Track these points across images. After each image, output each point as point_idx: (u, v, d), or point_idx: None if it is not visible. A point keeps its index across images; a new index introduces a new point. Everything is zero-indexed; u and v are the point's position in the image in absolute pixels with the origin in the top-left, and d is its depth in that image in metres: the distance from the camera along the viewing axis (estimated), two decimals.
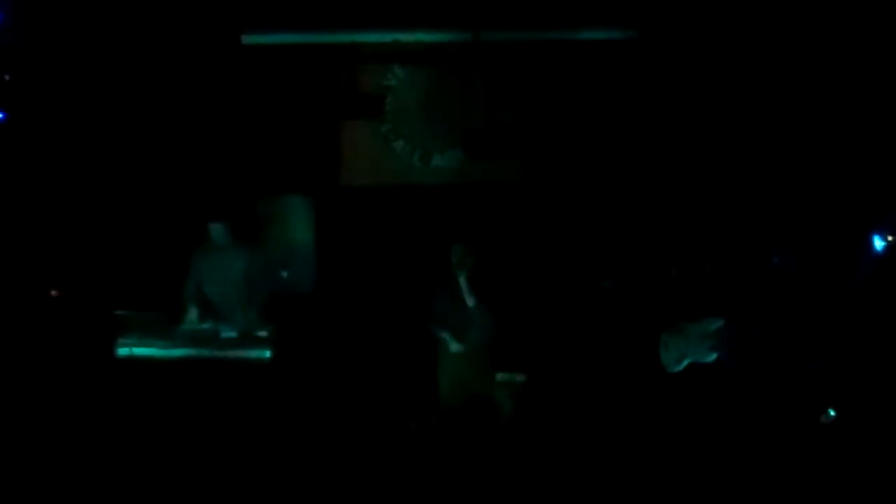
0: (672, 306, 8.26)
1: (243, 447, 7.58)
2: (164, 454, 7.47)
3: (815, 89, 8.53)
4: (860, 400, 7.45)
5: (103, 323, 8.09)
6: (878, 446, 7.15)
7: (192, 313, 8.19)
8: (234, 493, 7.20)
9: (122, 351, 7.91)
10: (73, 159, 9.02)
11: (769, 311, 7.76)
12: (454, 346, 8.27)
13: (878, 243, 7.69)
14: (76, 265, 8.94)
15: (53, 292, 8.85)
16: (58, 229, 8.90)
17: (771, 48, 8.71)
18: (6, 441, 7.48)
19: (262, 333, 8.07)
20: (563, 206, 9.41)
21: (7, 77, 8.52)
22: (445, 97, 9.62)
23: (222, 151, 9.33)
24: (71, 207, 8.98)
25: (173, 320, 8.12)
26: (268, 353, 8.01)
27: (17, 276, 8.65)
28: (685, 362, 7.73)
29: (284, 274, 9.28)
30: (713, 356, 7.65)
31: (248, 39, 9.37)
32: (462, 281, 8.30)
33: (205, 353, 7.93)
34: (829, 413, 7.41)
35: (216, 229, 8.35)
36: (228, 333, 8.04)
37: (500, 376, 8.45)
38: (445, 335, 8.31)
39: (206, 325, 8.13)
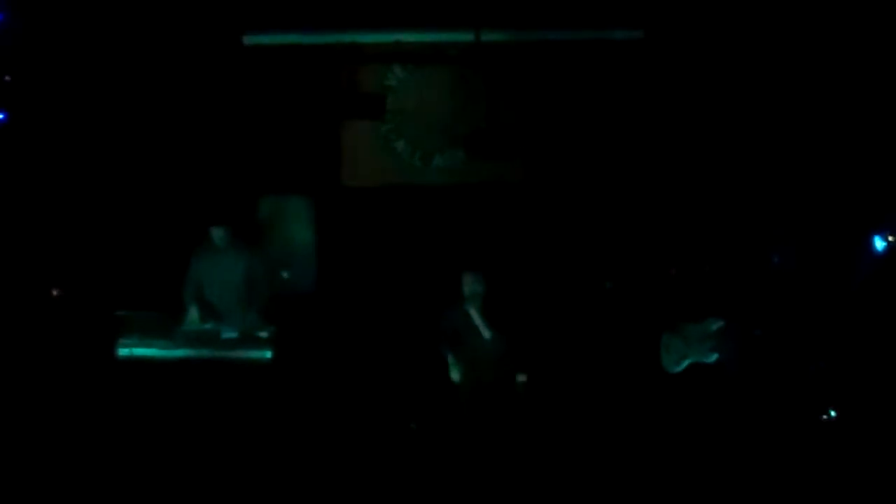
0: (672, 306, 8.26)
1: (244, 447, 7.59)
2: (164, 454, 7.49)
3: (816, 91, 8.53)
4: (861, 400, 7.45)
5: (104, 323, 8.09)
6: (878, 446, 7.15)
7: (193, 314, 8.18)
8: (235, 493, 7.21)
9: (123, 351, 7.91)
10: (74, 160, 9.02)
11: (769, 311, 7.76)
12: (455, 376, 7.84)
13: (879, 243, 7.69)
14: (77, 265, 8.94)
15: (54, 292, 8.85)
16: (58, 229, 8.89)
17: (771, 50, 8.72)
18: (7, 441, 7.49)
19: (263, 334, 8.07)
20: (564, 207, 9.40)
21: (7, 77, 8.53)
22: (446, 97, 9.62)
23: (223, 151, 9.33)
24: (71, 208, 8.98)
25: (174, 321, 8.12)
26: (268, 354, 8.01)
27: (19, 275, 8.65)
28: (686, 363, 7.73)
29: (285, 274, 9.27)
30: (714, 357, 7.64)
31: (249, 40, 9.38)
32: (474, 314, 7.73)
33: (205, 353, 7.93)
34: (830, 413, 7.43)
35: (217, 233, 8.35)
36: (229, 334, 8.05)
37: None
38: (451, 360, 7.85)
39: (206, 326, 8.13)
